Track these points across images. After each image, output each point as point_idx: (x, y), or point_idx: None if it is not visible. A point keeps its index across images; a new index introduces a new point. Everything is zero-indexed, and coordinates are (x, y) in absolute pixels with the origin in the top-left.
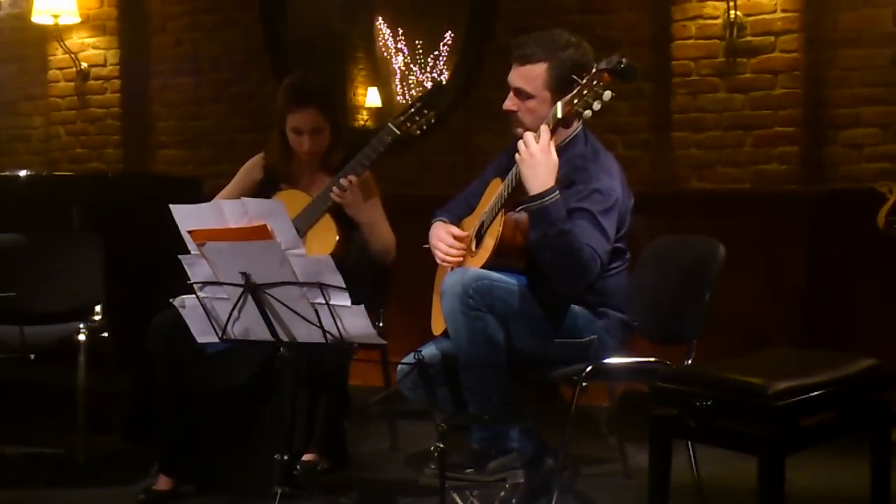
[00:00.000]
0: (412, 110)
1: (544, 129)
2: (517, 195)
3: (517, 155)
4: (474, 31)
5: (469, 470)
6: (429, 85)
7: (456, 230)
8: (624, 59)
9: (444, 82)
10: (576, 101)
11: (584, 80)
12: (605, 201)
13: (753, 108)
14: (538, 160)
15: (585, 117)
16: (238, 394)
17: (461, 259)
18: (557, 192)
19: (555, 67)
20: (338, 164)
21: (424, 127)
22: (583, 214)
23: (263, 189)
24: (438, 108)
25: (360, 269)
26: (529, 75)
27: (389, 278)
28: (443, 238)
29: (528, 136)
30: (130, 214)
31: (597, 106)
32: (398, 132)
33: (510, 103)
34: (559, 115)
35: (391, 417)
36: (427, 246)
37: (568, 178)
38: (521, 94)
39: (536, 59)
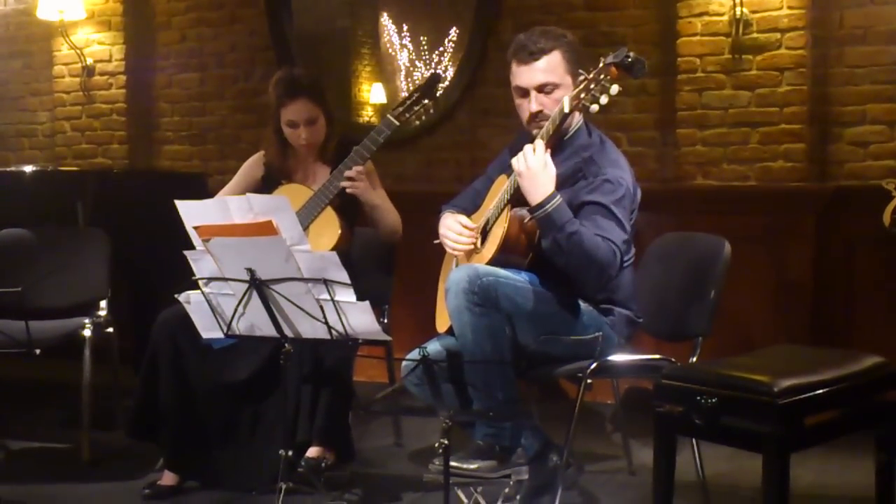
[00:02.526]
0: (410, 101)
1: (539, 142)
2: (522, 192)
3: (513, 161)
4: (479, 27)
5: (474, 466)
6: None
7: (465, 220)
8: (631, 54)
9: (440, 72)
10: (583, 95)
11: (592, 75)
12: (615, 191)
13: (759, 105)
14: (535, 172)
15: (592, 111)
16: (243, 389)
17: (472, 246)
18: (558, 196)
19: (567, 52)
20: (332, 156)
21: (423, 117)
22: (595, 207)
23: (265, 185)
24: (435, 98)
25: (364, 263)
26: (551, 65)
27: (392, 271)
28: (452, 227)
29: (527, 149)
30: (135, 210)
31: (604, 100)
32: (397, 123)
33: (536, 104)
34: (566, 109)
35: (395, 413)
36: (437, 241)
37: (577, 170)
38: (547, 88)
39: (550, 49)
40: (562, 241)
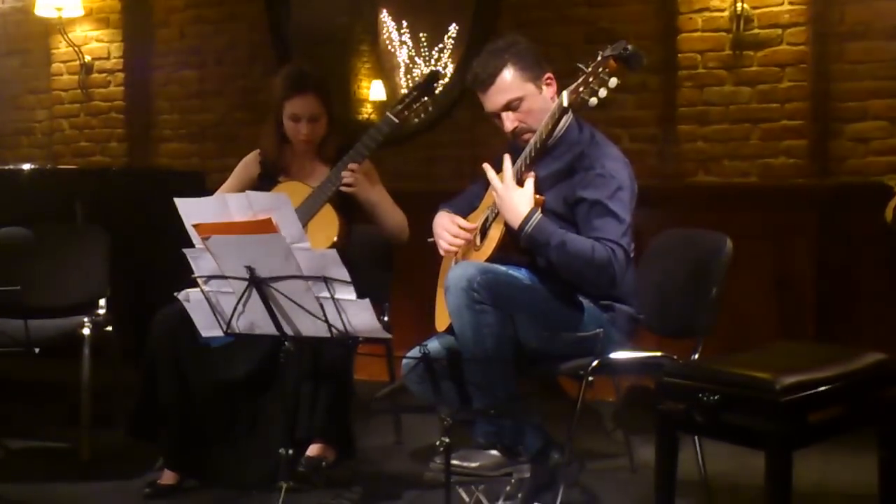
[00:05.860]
0: (409, 98)
1: (507, 164)
2: None
3: (493, 191)
4: (479, 23)
5: (475, 464)
6: None
7: (461, 220)
8: (629, 46)
9: (439, 69)
10: (581, 88)
11: (590, 68)
12: (608, 184)
13: (760, 102)
14: (505, 198)
15: (591, 105)
16: (242, 388)
17: (466, 246)
18: (536, 214)
19: (515, 62)
20: (333, 155)
21: (422, 114)
22: (589, 205)
23: (262, 184)
24: (434, 95)
25: (363, 261)
26: (504, 86)
27: (392, 268)
28: (447, 226)
29: (501, 176)
30: (134, 208)
31: (602, 93)
32: (396, 120)
33: (509, 122)
34: (565, 103)
35: (396, 411)
36: (432, 240)
37: (571, 165)
38: (513, 104)
39: (498, 70)
40: (552, 256)
